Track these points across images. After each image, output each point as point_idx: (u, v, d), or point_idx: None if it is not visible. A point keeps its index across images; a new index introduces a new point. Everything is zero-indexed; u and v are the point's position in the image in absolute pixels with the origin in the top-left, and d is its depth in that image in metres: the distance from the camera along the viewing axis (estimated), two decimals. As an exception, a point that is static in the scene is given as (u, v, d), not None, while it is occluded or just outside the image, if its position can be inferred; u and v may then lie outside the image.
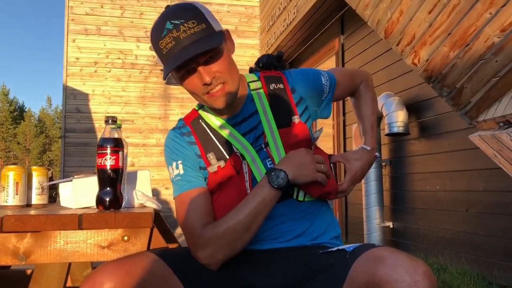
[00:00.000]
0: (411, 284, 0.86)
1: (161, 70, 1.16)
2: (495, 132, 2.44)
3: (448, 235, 3.67)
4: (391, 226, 4.42)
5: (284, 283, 1.09)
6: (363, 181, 4.24)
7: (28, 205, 1.57)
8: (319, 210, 1.23)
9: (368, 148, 1.34)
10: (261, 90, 1.27)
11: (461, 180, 3.53)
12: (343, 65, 5.57)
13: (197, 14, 1.12)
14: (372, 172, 4.25)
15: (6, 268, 1.99)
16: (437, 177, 3.83)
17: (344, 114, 5.61)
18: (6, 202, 1.48)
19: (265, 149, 1.21)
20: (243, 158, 1.20)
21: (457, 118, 3.32)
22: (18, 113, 51.22)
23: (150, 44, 1.17)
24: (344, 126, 5.60)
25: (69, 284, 1.76)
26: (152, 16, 7.76)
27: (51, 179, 1.73)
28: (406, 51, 3.05)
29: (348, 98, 1.50)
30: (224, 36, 1.16)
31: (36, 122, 52.90)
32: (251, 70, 1.39)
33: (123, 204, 1.31)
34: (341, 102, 5.53)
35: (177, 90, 7.75)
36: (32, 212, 1.28)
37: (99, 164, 1.27)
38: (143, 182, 1.55)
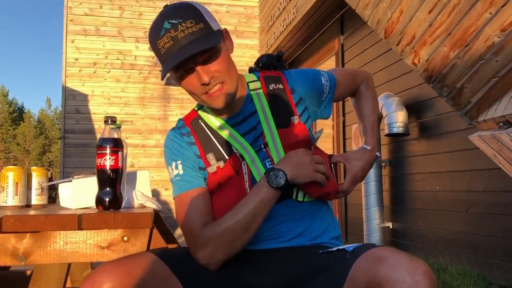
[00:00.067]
0: (412, 284, 0.86)
1: (160, 70, 1.16)
2: (495, 132, 2.44)
3: (448, 235, 3.67)
4: (391, 227, 4.42)
5: (284, 283, 1.09)
6: (362, 181, 4.24)
7: (28, 205, 1.56)
8: (318, 210, 1.23)
9: (369, 148, 1.34)
10: (261, 90, 1.26)
11: (461, 181, 3.53)
12: (343, 66, 5.57)
13: (195, 14, 1.11)
14: (371, 172, 4.25)
15: (6, 269, 1.99)
16: (437, 177, 3.83)
17: (344, 114, 5.61)
18: (5, 202, 1.48)
19: (264, 150, 1.21)
20: (242, 158, 1.20)
21: (457, 119, 3.32)
22: (18, 114, 51.21)
23: (149, 45, 1.17)
24: (344, 126, 5.60)
25: (68, 284, 1.76)
26: (151, 17, 7.76)
27: (50, 179, 1.73)
28: (406, 51, 3.05)
29: (349, 98, 1.50)
30: (222, 36, 1.15)
31: (35, 123, 52.89)
32: (251, 70, 1.39)
33: (122, 205, 1.31)
34: (340, 102, 5.53)
35: (177, 91, 7.74)
36: (32, 212, 1.28)
37: (98, 164, 1.27)
38: (142, 182, 1.54)
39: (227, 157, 1.21)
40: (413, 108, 4.07)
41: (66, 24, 7.67)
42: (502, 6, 2.36)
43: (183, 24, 1.09)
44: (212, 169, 1.20)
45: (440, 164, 3.78)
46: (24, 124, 49.94)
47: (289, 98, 1.26)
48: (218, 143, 1.23)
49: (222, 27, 1.19)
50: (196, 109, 1.31)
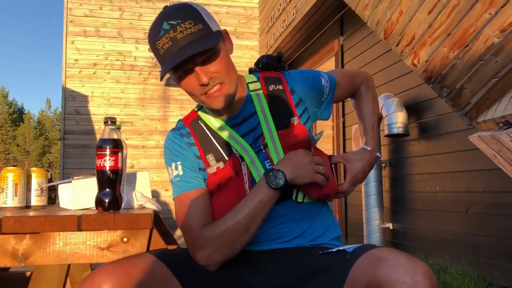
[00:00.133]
0: (412, 285, 0.86)
1: (160, 71, 1.16)
2: (495, 132, 2.44)
3: (448, 236, 3.67)
4: (391, 227, 4.42)
5: (284, 283, 1.09)
6: (362, 182, 4.23)
7: (27, 206, 1.56)
8: (318, 211, 1.23)
9: (369, 148, 1.33)
10: (260, 91, 1.26)
11: (461, 181, 3.53)
12: (342, 66, 5.57)
13: (194, 15, 1.11)
14: (371, 173, 4.24)
15: (5, 270, 1.99)
16: (437, 178, 3.83)
17: (343, 115, 5.61)
18: (5, 203, 1.47)
19: (264, 151, 1.21)
20: (242, 159, 1.20)
21: (457, 119, 3.32)
22: (18, 115, 51.17)
23: (148, 46, 1.17)
24: (344, 127, 5.60)
25: (68, 286, 1.75)
26: (151, 18, 7.76)
27: (50, 180, 1.73)
28: (405, 52, 3.05)
29: (349, 99, 1.50)
30: (222, 37, 1.15)
31: (35, 124, 52.85)
32: (251, 71, 1.39)
33: (122, 205, 1.31)
34: (340, 103, 5.53)
35: (177, 92, 7.75)
36: (31, 213, 1.28)
37: (98, 165, 1.26)
38: (142, 183, 1.54)
39: (227, 158, 1.21)
40: (413, 109, 4.07)
41: (66, 25, 7.68)
42: (502, 7, 2.36)
43: (182, 25, 1.09)
44: (212, 170, 1.20)
45: (440, 164, 3.78)
46: (24, 125, 49.91)
47: (289, 99, 1.26)
48: (218, 144, 1.23)
49: (222, 28, 1.19)
50: (196, 110, 1.31)
